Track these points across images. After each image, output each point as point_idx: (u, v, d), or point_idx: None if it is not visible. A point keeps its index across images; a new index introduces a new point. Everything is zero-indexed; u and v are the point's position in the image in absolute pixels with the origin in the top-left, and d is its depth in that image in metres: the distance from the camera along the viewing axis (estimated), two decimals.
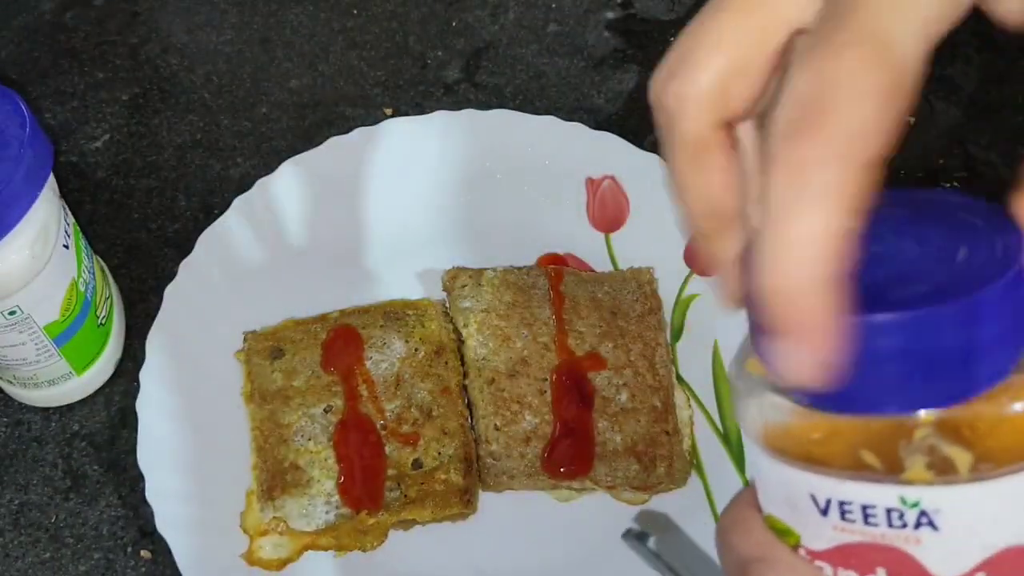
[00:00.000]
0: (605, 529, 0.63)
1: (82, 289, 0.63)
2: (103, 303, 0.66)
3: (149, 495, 0.62)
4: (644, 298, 0.68)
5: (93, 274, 0.64)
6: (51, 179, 0.59)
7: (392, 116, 0.76)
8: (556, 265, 0.70)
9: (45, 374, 0.65)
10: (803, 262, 0.27)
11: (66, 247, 0.61)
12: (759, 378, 0.34)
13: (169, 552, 0.61)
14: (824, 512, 0.33)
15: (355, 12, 0.83)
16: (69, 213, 0.62)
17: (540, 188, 0.73)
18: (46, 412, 0.68)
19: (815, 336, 0.28)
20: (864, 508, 0.32)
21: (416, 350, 0.66)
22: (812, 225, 0.27)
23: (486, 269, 0.69)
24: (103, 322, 0.66)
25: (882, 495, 0.32)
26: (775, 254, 0.28)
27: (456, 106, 0.76)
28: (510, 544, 0.63)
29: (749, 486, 0.37)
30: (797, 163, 0.27)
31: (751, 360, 0.35)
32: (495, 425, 0.64)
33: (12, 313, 0.59)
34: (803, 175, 0.27)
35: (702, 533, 0.62)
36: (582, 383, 0.65)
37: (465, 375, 0.66)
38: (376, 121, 0.74)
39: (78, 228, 0.64)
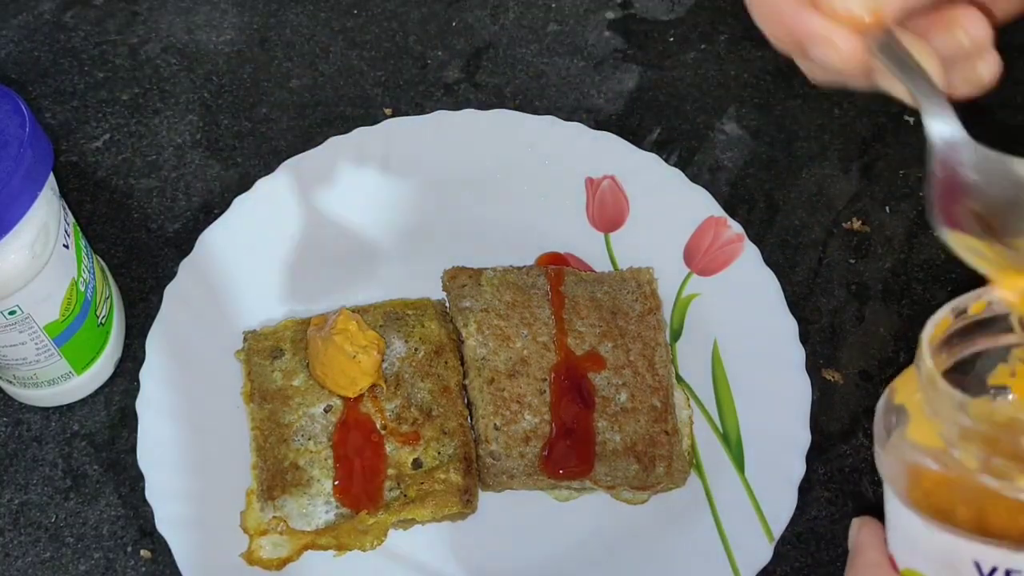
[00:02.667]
0: (605, 529, 0.64)
1: (82, 289, 0.63)
2: (103, 303, 0.66)
3: (149, 495, 0.62)
4: (644, 298, 0.68)
5: (93, 274, 0.64)
6: (51, 179, 0.59)
7: (392, 116, 0.76)
8: (556, 265, 0.70)
9: (45, 374, 0.65)
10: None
11: (66, 247, 0.61)
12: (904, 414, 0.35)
13: (169, 552, 0.61)
14: None
15: (355, 12, 0.83)
16: (69, 213, 0.62)
17: (540, 188, 0.73)
18: (46, 412, 0.68)
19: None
20: None
21: (416, 350, 0.66)
22: None
23: (486, 269, 0.69)
24: (103, 322, 0.66)
25: None
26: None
27: (456, 106, 0.76)
28: (510, 544, 0.63)
29: (867, 529, 0.38)
30: None
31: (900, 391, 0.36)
32: (495, 425, 0.64)
33: (12, 313, 0.60)
34: None
35: (702, 534, 0.63)
36: (581, 383, 0.65)
37: (465, 375, 0.66)
38: (376, 121, 0.74)
39: (78, 228, 0.64)
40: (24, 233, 0.57)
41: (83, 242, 0.64)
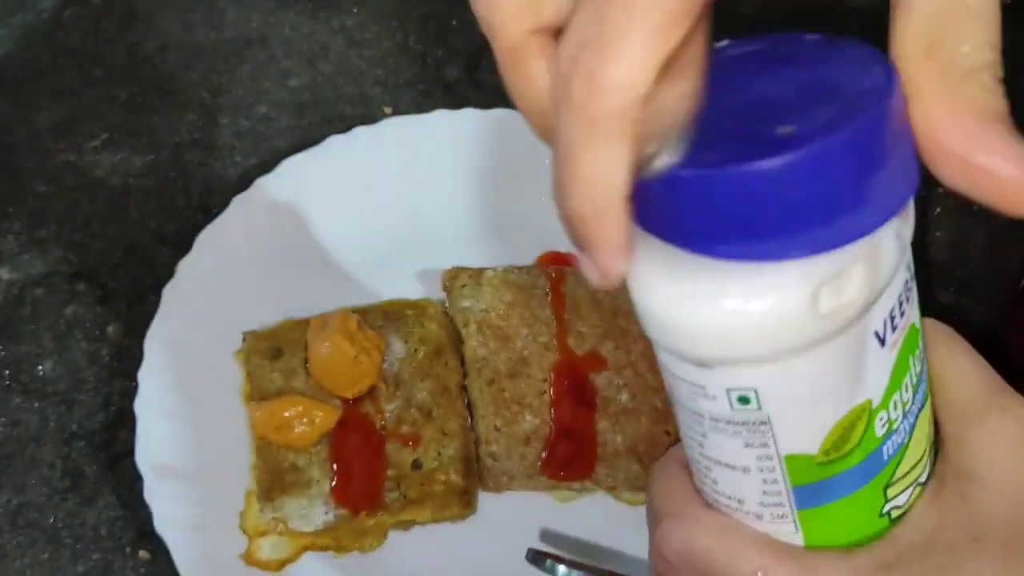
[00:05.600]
0: (605, 530, 0.63)
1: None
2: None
3: (147, 495, 0.61)
4: None
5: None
6: None
7: (392, 115, 0.76)
8: (557, 264, 0.70)
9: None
10: (590, 196, 0.28)
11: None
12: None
13: (168, 553, 0.60)
14: None
15: (354, 10, 0.82)
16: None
17: (541, 188, 0.72)
18: (44, 412, 0.67)
19: (607, 251, 0.29)
20: None
21: (416, 350, 0.66)
22: (596, 165, 0.27)
23: (486, 269, 0.68)
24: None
25: None
26: (567, 187, 0.28)
27: (456, 105, 0.76)
28: (510, 544, 0.63)
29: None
30: (579, 103, 0.27)
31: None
32: (495, 426, 0.63)
33: (744, 400, 0.34)
34: (586, 114, 0.27)
35: None
36: (583, 383, 0.65)
37: (465, 375, 0.66)
38: (376, 120, 0.74)
39: None
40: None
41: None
